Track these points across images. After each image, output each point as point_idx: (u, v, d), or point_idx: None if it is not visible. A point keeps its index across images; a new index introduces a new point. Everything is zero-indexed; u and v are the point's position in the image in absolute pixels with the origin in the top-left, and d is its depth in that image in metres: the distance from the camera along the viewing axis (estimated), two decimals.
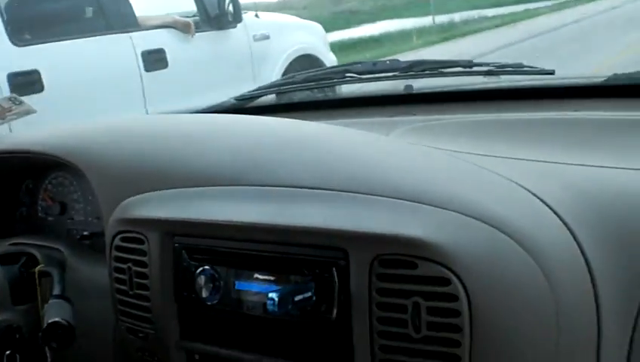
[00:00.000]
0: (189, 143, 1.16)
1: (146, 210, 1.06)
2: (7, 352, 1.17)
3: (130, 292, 1.08)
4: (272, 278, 0.94)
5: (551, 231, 0.86)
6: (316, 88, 1.63)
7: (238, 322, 0.98)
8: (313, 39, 5.72)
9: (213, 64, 4.75)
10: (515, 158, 1.06)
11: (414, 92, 1.61)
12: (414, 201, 0.87)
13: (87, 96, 4.01)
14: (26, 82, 3.86)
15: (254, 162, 1.05)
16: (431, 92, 1.59)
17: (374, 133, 1.19)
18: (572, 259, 0.85)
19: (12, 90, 3.67)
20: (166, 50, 4.51)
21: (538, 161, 1.05)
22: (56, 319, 1.08)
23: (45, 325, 1.08)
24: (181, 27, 4.65)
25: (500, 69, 1.44)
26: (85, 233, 1.36)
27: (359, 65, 1.59)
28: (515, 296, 0.81)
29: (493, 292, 0.81)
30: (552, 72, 1.41)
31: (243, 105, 1.70)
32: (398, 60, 1.58)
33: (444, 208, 0.85)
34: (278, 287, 0.91)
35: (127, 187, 1.11)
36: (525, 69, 1.45)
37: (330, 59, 5.69)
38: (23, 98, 4.00)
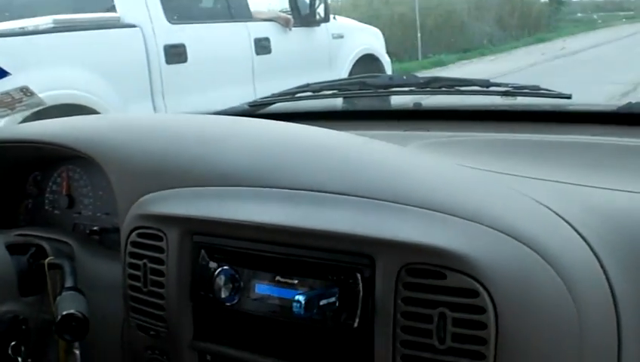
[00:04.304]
0: (209, 143, 1.15)
1: (166, 207, 1.06)
2: (13, 343, 1.15)
3: (144, 289, 1.07)
4: (294, 282, 0.93)
5: (575, 251, 0.87)
6: (330, 98, 1.63)
7: (255, 324, 0.97)
8: (375, 42, 6.82)
9: (302, 54, 5.75)
10: (535, 178, 1.06)
11: (426, 108, 1.61)
12: (444, 213, 0.87)
13: (215, 69, 4.93)
14: (176, 53, 4.71)
15: (277, 165, 1.04)
16: (445, 109, 1.59)
17: (394, 145, 1.19)
18: (595, 280, 0.85)
19: (166, 59, 4.62)
20: (270, 39, 5.45)
21: (558, 181, 1.05)
22: (71, 311, 1.06)
23: (59, 317, 1.06)
24: (282, 22, 5.60)
25: (517, 90, 1.45)
26: (95, 228, 1.35)
27: (376, 78, 1.58)
28: (541, 312, 0.81)
29: (520, 307, 0.81)
30: (569, 97, 1.42)
31: (256, 111, 1.69)
32: (415, 75, 1.58)
33: (474, 221, 0.85)
34: (304, 291, 0.90)
35: (147, 183, 1.10)
36: (542, 91, 1.45)
37: (386, 61, 6.80)
38: (173, 66, 4.52)
